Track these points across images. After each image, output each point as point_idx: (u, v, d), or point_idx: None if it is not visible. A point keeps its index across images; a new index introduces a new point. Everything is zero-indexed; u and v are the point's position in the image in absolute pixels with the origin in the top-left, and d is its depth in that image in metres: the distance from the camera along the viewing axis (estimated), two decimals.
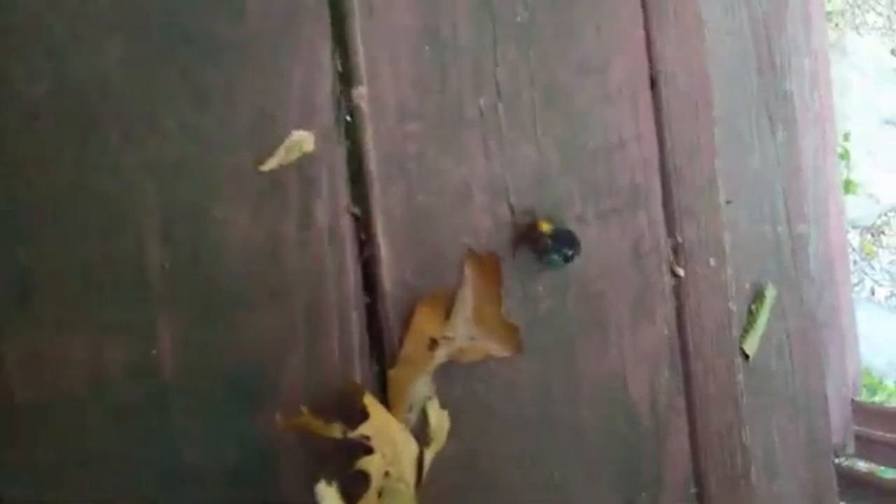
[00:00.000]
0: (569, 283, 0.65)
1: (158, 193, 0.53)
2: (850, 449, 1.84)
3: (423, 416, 0.58)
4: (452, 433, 0.58)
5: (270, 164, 0.56)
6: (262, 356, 0.55)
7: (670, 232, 0.70)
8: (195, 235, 0.54)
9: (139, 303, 0.53)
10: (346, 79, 0.59)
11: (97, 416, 0.52)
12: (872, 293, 2.74)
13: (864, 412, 1.86)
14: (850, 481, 1.66)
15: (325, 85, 0.58)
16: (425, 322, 0.58)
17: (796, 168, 1.13)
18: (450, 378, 0.60)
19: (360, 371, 0.58)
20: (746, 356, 0.92)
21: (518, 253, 0.63)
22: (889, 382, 2.68)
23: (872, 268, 2.72)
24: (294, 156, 0.56)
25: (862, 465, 2.03)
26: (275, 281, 0.55)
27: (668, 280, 0.69)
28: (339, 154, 0.58)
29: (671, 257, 0.70)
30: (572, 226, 0.65)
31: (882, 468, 2.06)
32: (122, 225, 0.53)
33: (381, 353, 0.59)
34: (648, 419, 0.67)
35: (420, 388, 0.57)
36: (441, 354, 0.58)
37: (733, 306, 0.74)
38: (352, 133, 0.59)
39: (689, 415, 0.70)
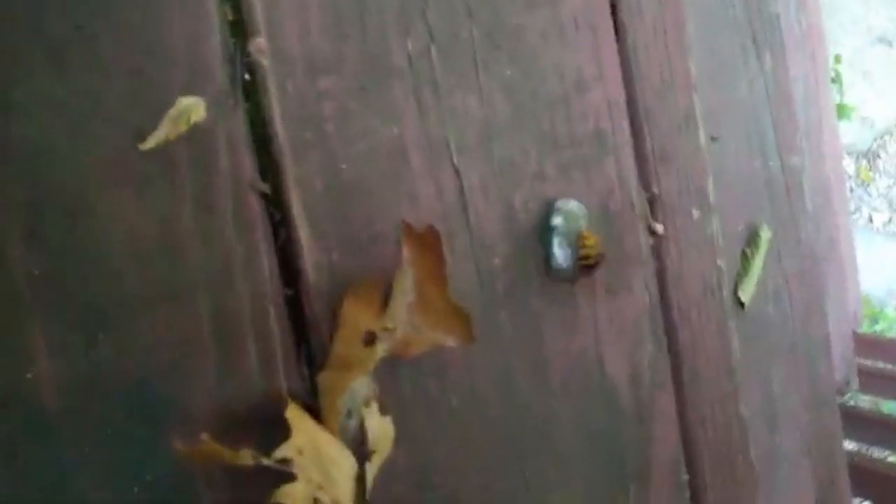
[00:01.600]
0: (529, 250, 0.56)
1: (18, 183, 0.44)
2: (854, 385, 1.78)
3: None
4: (403, 440, 0.50)
5: (154, 140, 0.46)
6: (162, 370, 0.46)
7: (644, 183, 0.61)
8: (68, 232, 0.44)
9: (5, 317, 0.44)
10: (240, 29, 0.48)
11: None
12: (870, 220, 2.66)
13: (865, 343, 1.80)
14: (854, 418, 1.60)
15: (214, 38, 0.47)
16: (357, 313, 0.49)
17: (786, 96, 1.04)
18: (395, 375, 0.51)
19: (285, 377, 0.49)
20: (742, 304, 0.85)
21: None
22: (889, 310, 2.63)
23: (869, 194, 2.64)
24: (182, 127, 0.46)
25: (865, 399, 1.98)
26: (171, 280, 0.46)
27: (644, 239, 0.60)
28: (239, 121, 0.48)
29: (647, 212, 0.61)
30: (529, 184, 0.56)
31: (886, 402, 2.02)
32: None
33: (311, 353, 0.50)
34: (630, 402, 0.59)
35: (359, 390, 0.49)
36: (381, 349, 0.49)
37: (722, 263, 0.65)
38: (253, 95, 0.49)
39: (677, 391, 0.62)
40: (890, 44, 2.74)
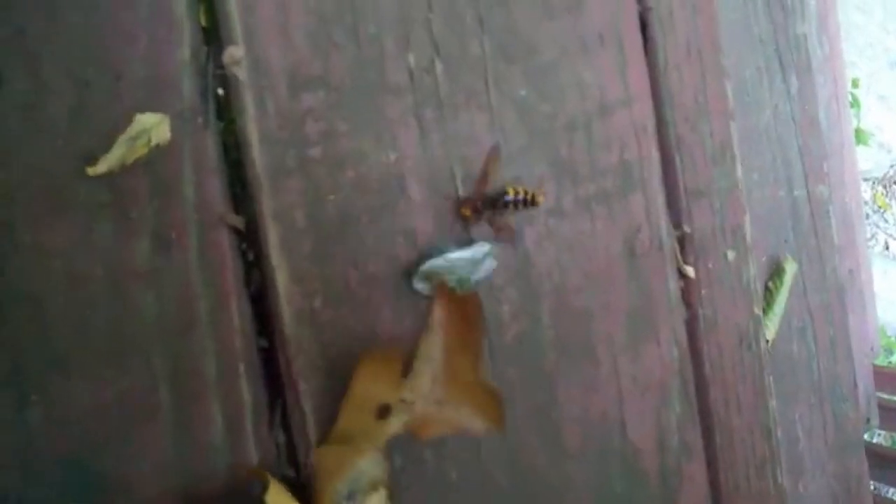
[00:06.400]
0: (543, 298, 0.48)
1: None
2: (875, 421, 1.72)
3: None
4: None
5: (106, 164, 0.39)
6: (105, 441, 0.39)
7: (675, 221, 0.54)
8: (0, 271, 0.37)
9: None
10: (213, 36, 0.42)
11: None
12: (886, 247, 2.59)
13: (884, 377, 1.74)
14: (876, 457, 1.53)
15: (182, 46, 0.41)
16: (371, 381, 0.41)
17: (812, 120, 0.98)
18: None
19: (255, 447, 0.41)
20: (765, 341, 0.78)
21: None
22: None
23: (886, 221, 2.56)
24: (141, 150, 0.39)
25: (880, 434, 1.91)
26: (120, 333, 0.39)
27: (674, 284, 0.53)
28: (210, 143, 0.41)
29: (678, 253, 0.53)
30: (543, 220, 0.48)
31: None
32: None
33: (286, 417, 0.43)
34: (655, 468, 0.51)
35: (366, 470, 0.41)
36: (396, 423, 0.42)
37: (759, 310, 0.58)
38: (226, 113, 0.42)
39: (709, 458, 0.54)
40: None
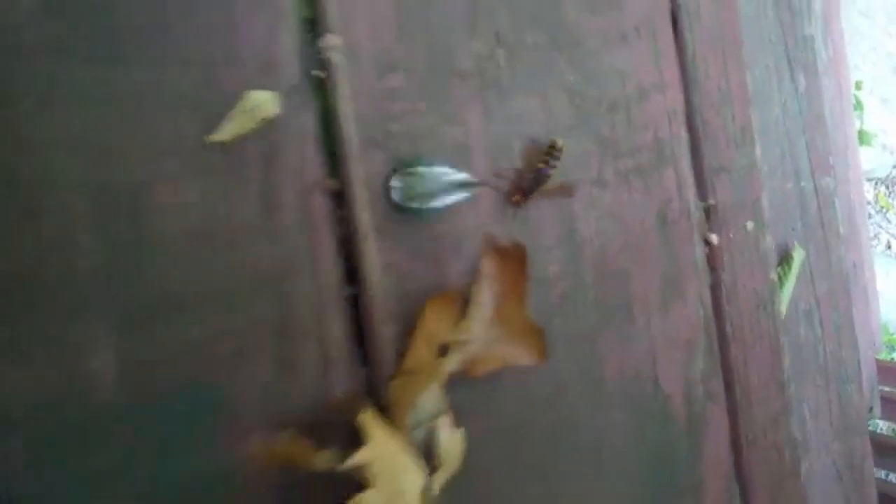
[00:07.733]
0: (586, 260, 0.55)
1: (83, 175, 0.43)
2: (877, 411, 1.77)
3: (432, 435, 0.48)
4: None
5: (223, 134, 0.46)
6: (221, 369, 0.45)
7: (701, 193, 0.60)
8: (132, 225, 0.44)
9: (65, 308, 0.43)
10: (313, 25, 0.48)
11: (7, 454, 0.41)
12: (888, 247, 2.65)
13: (885, 371, 1.79)
14: (879, 447, 1.59)
15: (289, 34, 0.47)
16: (436, 322, 0.48)
17: (819, 117, 1.04)
18: (450, 381, 0.50)
19: (343, 378, 0.48)
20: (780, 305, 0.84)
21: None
22: None
23: (888, 221, 2.62)
24: (253, 122, 0.46)
25: (883, 426, 1.96)
26: (234, 277, 0.46)
27: (700, 251, 0.59)
28: (309, 118, 0.48)
29: (704, 223, 0.60)
30: (588, 190, 0.55)
31: None
32: (39, 214, 0.43)
33: (367, 354, 0.49)
34: (683, 415, 0.58)
35: (429, 401, 0.47)
36: (453, 361, 0.48)
37: (775, 276, 0.64)
38: (323, 92, 0.49)
39: (730, 407, 0.60)
40: None
